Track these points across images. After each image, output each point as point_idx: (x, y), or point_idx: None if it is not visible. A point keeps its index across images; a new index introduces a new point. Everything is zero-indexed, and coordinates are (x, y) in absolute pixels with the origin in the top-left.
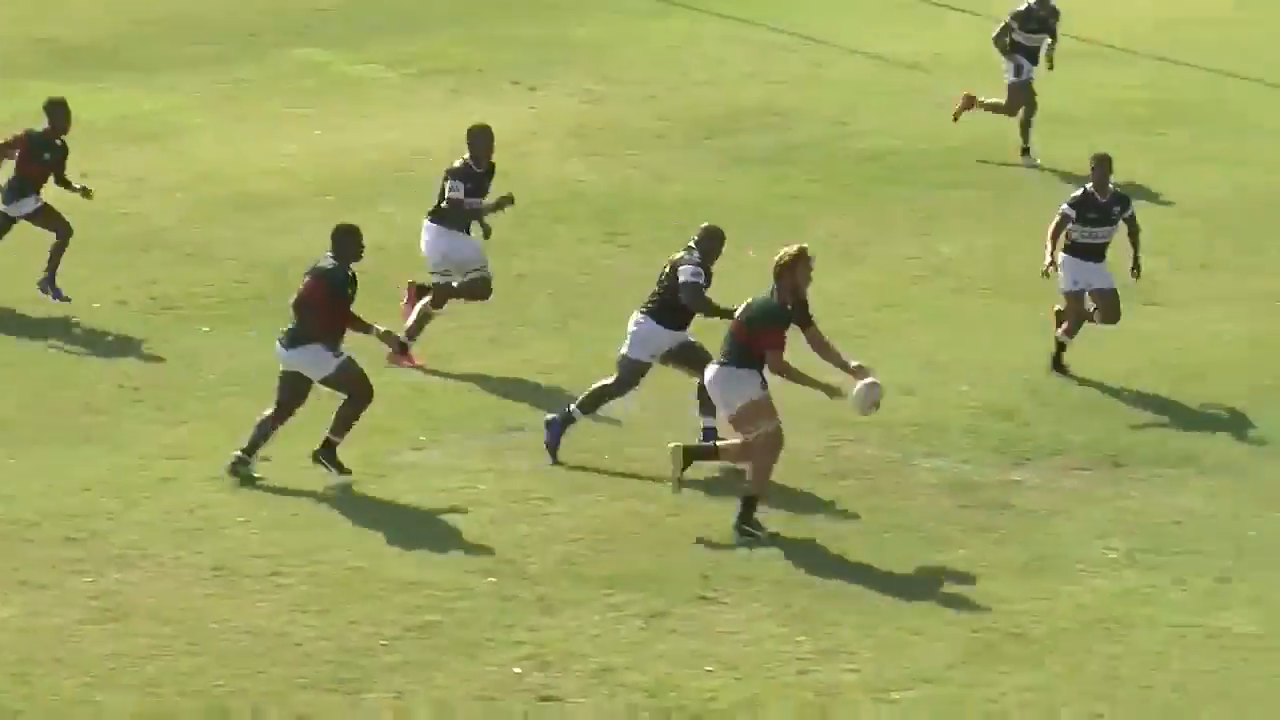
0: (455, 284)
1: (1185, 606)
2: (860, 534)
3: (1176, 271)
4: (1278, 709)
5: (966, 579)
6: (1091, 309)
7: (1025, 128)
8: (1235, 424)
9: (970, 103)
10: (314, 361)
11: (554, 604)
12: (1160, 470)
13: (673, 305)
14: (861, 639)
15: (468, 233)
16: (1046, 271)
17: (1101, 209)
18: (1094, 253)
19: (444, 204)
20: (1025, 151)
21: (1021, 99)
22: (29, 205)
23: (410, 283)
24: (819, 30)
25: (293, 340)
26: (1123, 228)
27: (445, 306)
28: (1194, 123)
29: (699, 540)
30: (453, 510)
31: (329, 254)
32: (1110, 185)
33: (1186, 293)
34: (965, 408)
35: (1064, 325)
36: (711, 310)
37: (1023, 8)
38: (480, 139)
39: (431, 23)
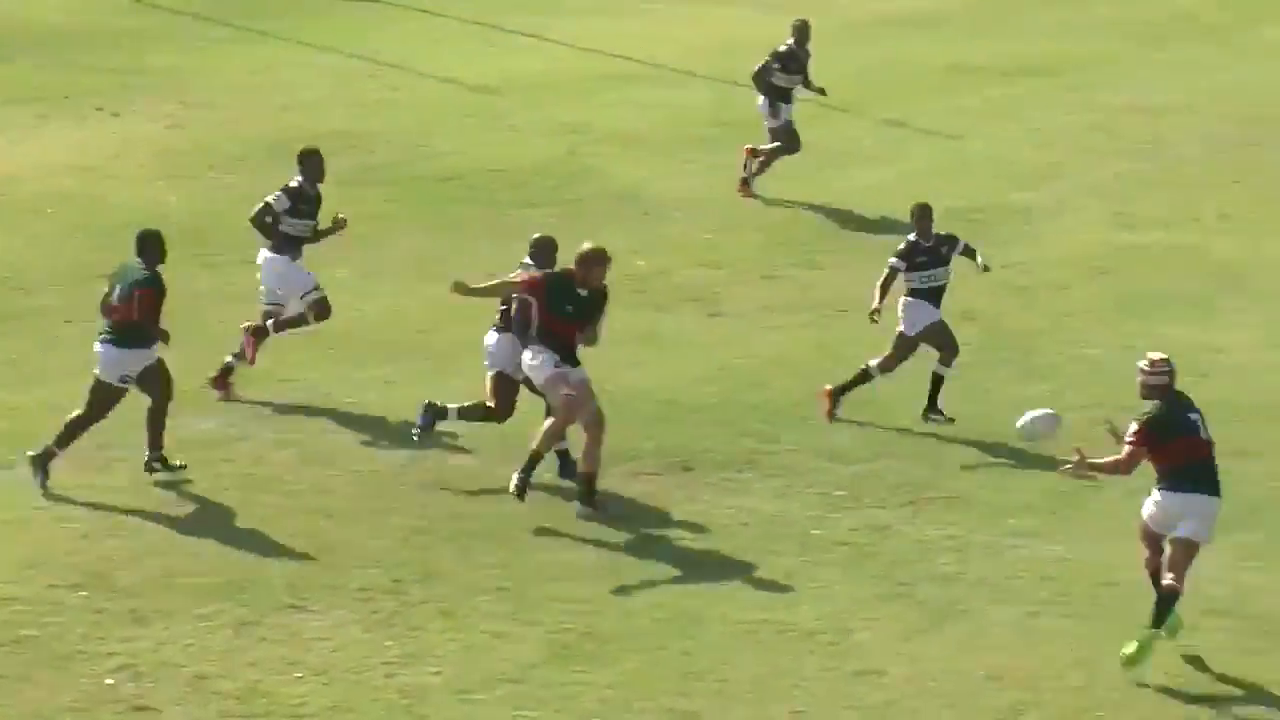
0: (298, 310)
1: (755, 603)
2: (444, 541)
3: (738, 284)
4: (840, 699)
5: (545, 582)
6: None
7: (769, 162)
8: (797, 428)
9: (753, 154)
10: None
11: (145, 615)
12: (728, 474)
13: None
14: (445, 643)
15: (299, 258)
16: (873, 317)
17: (929, 252)
18: (936, 296)
19: (268, 219)
20: (763, 165)
21: (793, 136)
22: None
23: (245, 326)
24: (393, 56)
25: None
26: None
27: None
28: (754, 141)
29: (286, 551)
30: (42, 526)
31: None
32: (933, 230)
33: (749, 302)
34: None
35: (881, 361)
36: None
37: (784, 49)
38: (314, 162)
39: (14, 50)
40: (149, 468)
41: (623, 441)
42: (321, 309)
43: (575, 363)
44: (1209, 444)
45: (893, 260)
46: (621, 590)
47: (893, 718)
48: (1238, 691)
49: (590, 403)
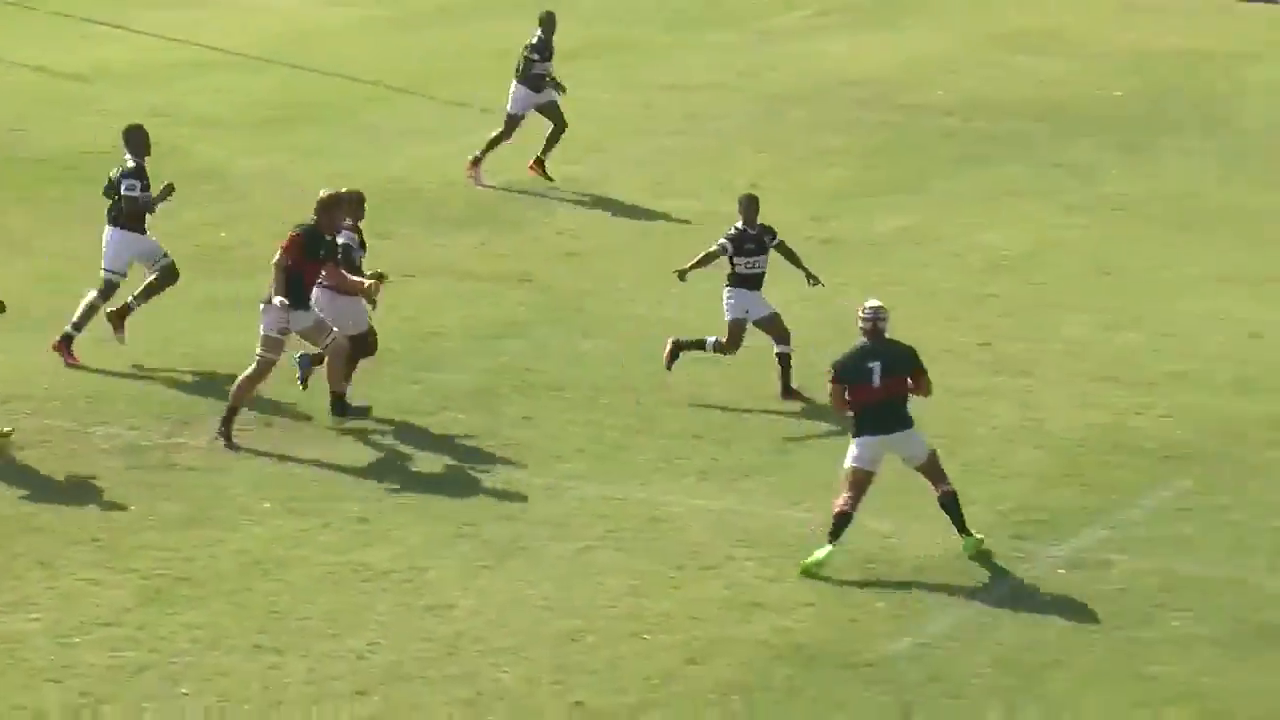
0: (151, 278)
1: (333, 547)
2: (43, 497)
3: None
4: (413, 632)
5: (138, 531)
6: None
7: (494, 146)
8: (361, 383)
9: (540, 166)
10: None
11: None
12: (304, 428)
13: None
14: (43, 591)
15: (145, 231)
16: (683, 276)
17: (756, 239)
18: (756, 282)
19: (124, 204)
20: (477, 162)
21: (559, 113)
22: None
23: (109, 312)
24: None
25: None
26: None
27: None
28: (320, 122)
29: None
30: None
31: None
32: (756, 219)
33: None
34: (136, 379)
35: (715, 342)
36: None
37: (535, 40)
38: (140, 137)
39: None
40: None
41: (210, 400)
42: (169, 274)
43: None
44: (880, 390)
45: (723, 241)
46: (210, 539)
47: (462, 647)
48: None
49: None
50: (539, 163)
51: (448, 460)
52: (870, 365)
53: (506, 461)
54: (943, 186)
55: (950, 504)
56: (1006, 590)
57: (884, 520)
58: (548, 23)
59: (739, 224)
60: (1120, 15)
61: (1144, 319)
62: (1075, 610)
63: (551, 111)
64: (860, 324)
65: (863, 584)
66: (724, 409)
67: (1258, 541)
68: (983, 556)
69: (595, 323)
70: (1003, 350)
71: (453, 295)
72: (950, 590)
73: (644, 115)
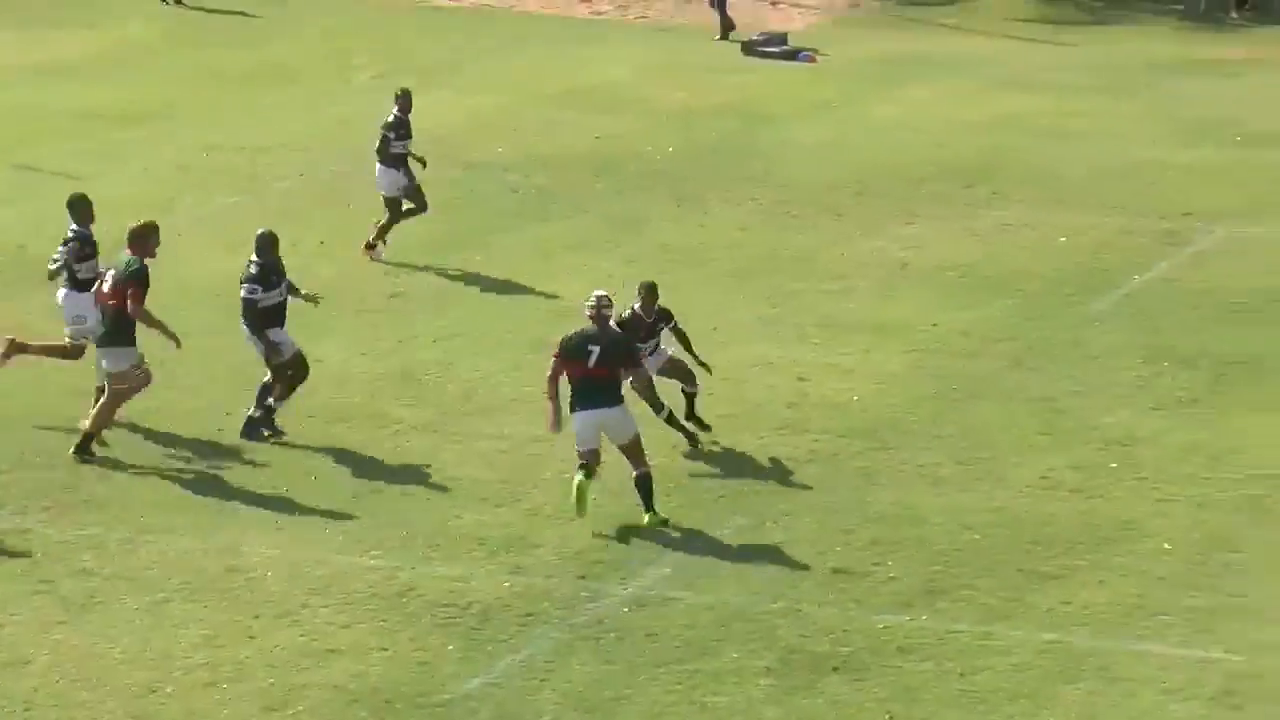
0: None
1: None
2: None
3: None
4: None
5: None
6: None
7: (388, 229)
8: None
9: (381, 235)
10: None
11: None
12: None
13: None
14: None
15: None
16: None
17: (649, 328)
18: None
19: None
20: (373, 247)
21: (421, 195)
22: None
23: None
24: None
25: None
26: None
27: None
28: None
29: None
30: None
31: None
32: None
33: None
34: None
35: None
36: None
37: (393, 119)
38: (83, 207)
39: None
40: None
41: None
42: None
43: None
44: (594, 370)
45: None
46: None
47: (38, 702)
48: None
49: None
50: (369, 245)
51: (24, 518)
52: (591, 349)
53: (85, 516)
54: (506, 240)
55: (643, 484)
56: (575, 629)
57: (455, 565)
58: (404, 100)
59: (634, 305)
60: (670, 75)
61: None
62: (641, 646)
63: (413, 194)
64: (586, 311)
65: (434, 627)
66: (277, 460)
67: (808, 574)
68: (660, 525)
69: (185, 375)
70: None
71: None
72: (520, 629)
73: (211, 176)
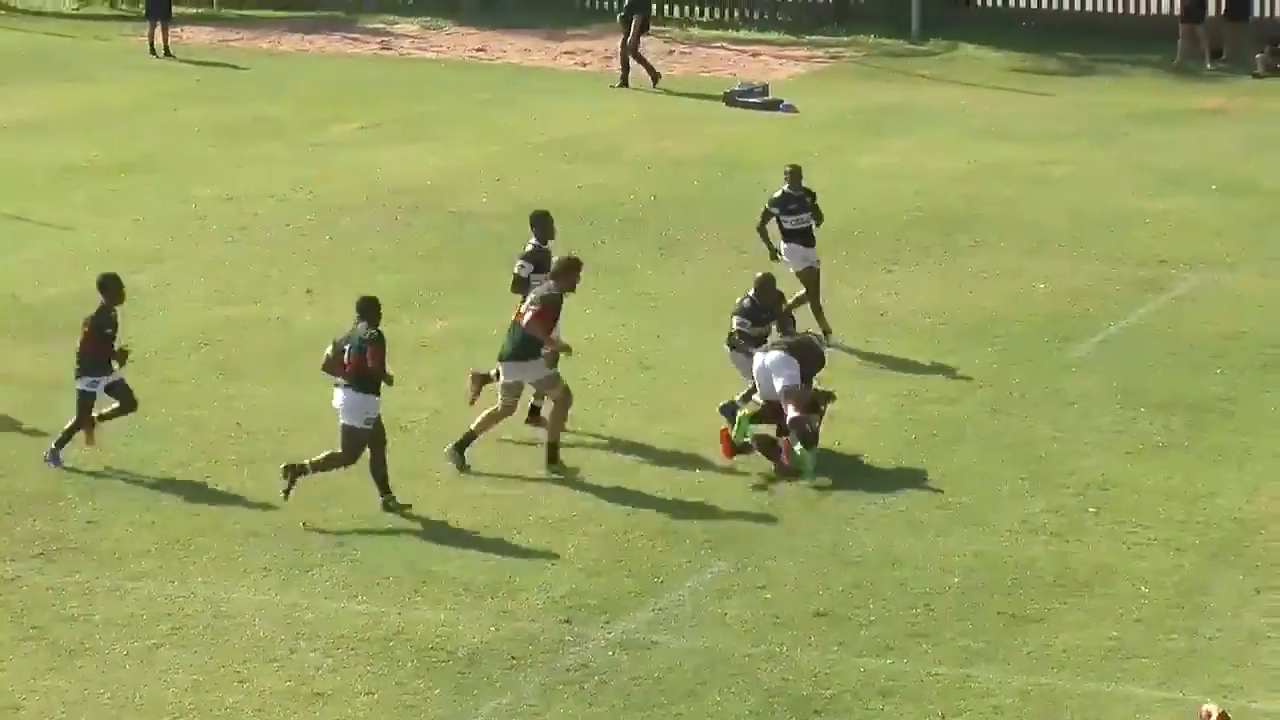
0: None
1: None
2: None
3: None
4: None
5: None
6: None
7: (820, 312)
8: None
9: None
10: None
11: None
12: None
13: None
14: None
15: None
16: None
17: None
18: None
19: None
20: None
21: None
22: None
23: None
24: None
25: None
26: None
27: None
28: None
29: None
30: None
31: None
32: None
33: None
34: None
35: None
36: None
37: (778, 194)
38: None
39: None
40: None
41: None
42: None
43: None
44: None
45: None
46: None
47: None
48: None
49: None
50: None
51: (13, 565)
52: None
53: (73, 564)
54: (491, 288)
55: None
56: (559, 673)
57: (439, 610)
58: (792, 177)
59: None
60: (653, 125)
61: (681, 410)
62: (624, 689)
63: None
64: None
65: (421, 671)
66: (263, 506)
67: (791, 618)
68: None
69: (157, 426)
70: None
71: (11, 402)
72: (505, 673)
73: (199, 226)
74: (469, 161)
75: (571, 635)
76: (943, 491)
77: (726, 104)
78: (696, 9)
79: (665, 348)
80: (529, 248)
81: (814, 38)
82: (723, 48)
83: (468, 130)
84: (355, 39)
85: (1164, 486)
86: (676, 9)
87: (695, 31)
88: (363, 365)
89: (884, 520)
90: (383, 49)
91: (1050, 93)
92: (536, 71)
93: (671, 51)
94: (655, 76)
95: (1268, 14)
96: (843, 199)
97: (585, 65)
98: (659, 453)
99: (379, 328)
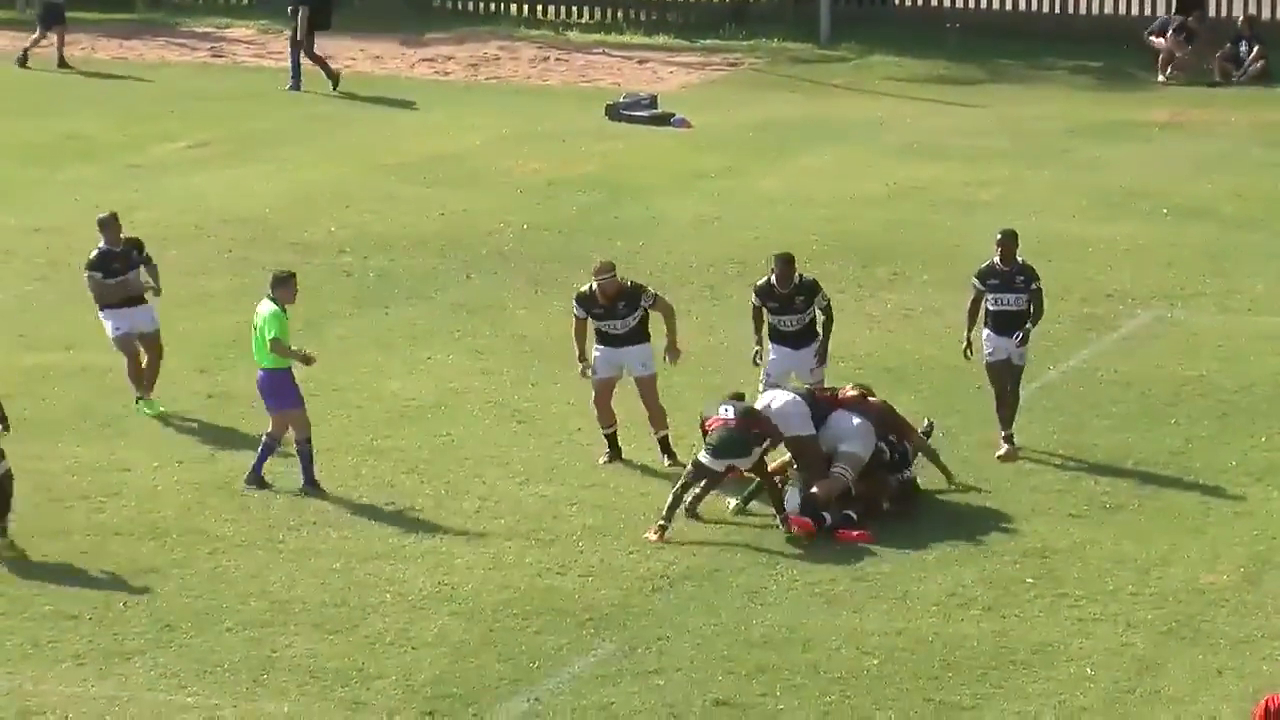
0: None
1: None
2: None
3: None
4: None
5: None
6: None
7: None
8: None
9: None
10: None
11: None
12: None
13: None
14: None
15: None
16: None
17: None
18: None
19: None
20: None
21: None
22: None
23: None
24: None
25: None
26: None
27: None
28: None
29: None
30: None
31: None
32: None
33: None
34: None
35: None
36: None
37: (764, 283)
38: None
39: None
40: None
41: None
42: None
43: None
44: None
45: None
46: None
47: None
48: None
49: None
50: None
51: None
52: None
53: None
54: (339, 331)
55: None
56: None
57: (283, 702)
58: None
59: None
60: (525, 143)
61: (560, 470)
62: None
63: None
64: None
65: None
66: (77, 585)
67: (687, 708)
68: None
69: None
70: (408, 510)
71: None
72: None
73: (1, 261)
74: (312, 186)
75: None
76: (859, 561)
77: (610, 118)
78: (575, 9)
79: (540, 397)
80: None
81: (709, 42)
82: (605, 53)
83: (311, 150)
84: (181, 45)
85: (1112, 553)
86: (552, 9)
87: (573, 35)
88: None
89: (792, 594)
90: (213, 56)
91: (979, 104)
92: (392, 80)
93: (547, 58)
94: (334, 78)
95: (1223, 14)
96: (743, 226)
97: (447, 74)
98: (533, 517)
99: None
